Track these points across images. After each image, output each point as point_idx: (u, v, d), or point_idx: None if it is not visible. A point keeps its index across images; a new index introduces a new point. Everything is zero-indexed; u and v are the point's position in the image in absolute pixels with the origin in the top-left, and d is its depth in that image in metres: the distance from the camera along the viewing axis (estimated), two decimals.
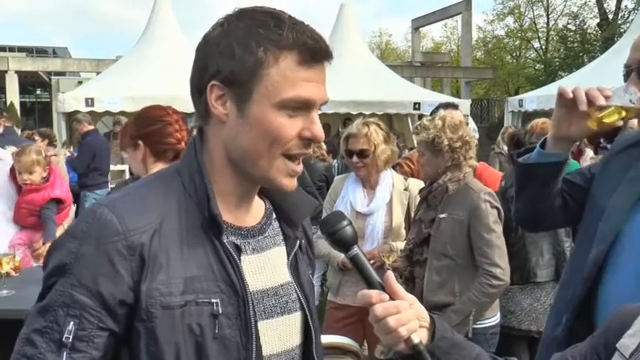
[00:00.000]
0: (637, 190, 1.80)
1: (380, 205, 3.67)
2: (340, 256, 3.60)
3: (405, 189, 3.74)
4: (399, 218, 3.68)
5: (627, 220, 1.78)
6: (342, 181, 3.88)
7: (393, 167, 4.36)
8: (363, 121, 3.79)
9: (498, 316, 3.40)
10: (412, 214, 3.68)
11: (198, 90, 1.25)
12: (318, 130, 1.24)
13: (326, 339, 2.64)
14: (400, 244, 3.61)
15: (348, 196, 3.74)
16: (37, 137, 8.21)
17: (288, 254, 1.38)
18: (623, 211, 1.79)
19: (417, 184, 3.79)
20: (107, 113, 12.82)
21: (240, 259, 1.25)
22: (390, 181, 3.74)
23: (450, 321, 3.02)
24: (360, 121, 3.78)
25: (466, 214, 3.13)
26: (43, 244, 4.50)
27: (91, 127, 8.86)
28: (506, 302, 3.80)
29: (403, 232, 3.69)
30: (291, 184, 1.27)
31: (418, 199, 3.70)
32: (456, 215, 3.14)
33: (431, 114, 5.06)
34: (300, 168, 1.27)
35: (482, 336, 3.19)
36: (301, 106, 1.22)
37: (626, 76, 1.83)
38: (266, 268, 1.32)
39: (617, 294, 1.76)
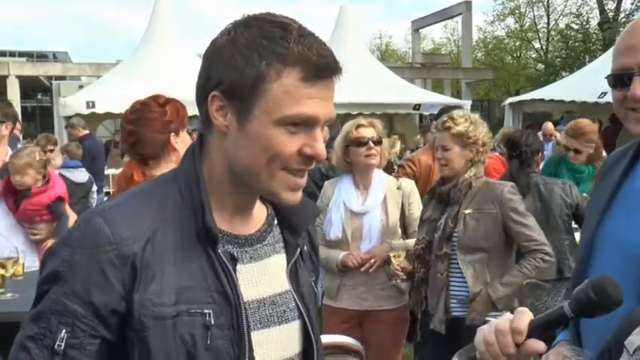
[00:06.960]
0: (603, 200, 1.74)
1: (375, 203, 3.67)
2: (338, 256, 3.61)
3: (398, 188, 3.75)
4: (394, 217, 3.68)
5: (596, 233, 1.73)
6: (333, 185, 3.86)
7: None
8: (362, 117, 3.84)
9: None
10: (407, 213, 3.72)
11: (202, 98, 1.22)
12: (320, 148, 1.20)
13: (329, 339, 2.66)
14: (410, 241, 3.61)
15: (342, 198, 3.72)
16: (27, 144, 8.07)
17: (288, 262, 1.35)
18: (593, 223, 1.74)
19: (409, 184, 3.83)
20: (108, 115, 12.86)
21: (235, 269, 1.23)
22: (382, 180, 3.75)
23: (496, 293, 3.11)
24: (360, 117, 3.83)
25: (498, 208, 3.19)
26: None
27: (86, 132, 8.75)
28: None
29: (399, 230, 3.71)
30: (293, 198, 1.24)
31: (413, 198, 3.75)
32: (486, 210, 3.19)
33: (436, 117, 5.07)
34: (303, 182, 1.24)
35: None
36: (303, 123, 1.18)
37: (621, 82, 1.59)
38: (264, 276, 1.30)
39: None
